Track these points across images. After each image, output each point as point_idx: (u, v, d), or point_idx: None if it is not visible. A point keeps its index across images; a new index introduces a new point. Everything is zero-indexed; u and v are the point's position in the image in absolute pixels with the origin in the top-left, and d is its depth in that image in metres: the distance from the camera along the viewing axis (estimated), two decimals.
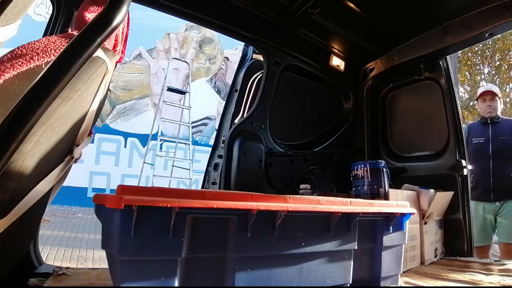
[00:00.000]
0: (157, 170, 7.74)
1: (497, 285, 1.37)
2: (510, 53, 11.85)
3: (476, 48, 11.59)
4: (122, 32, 0.89)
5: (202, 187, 2.26)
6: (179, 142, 7.88)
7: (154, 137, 7.77)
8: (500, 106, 2.97)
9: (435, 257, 1.87)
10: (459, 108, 2.09)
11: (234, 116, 2.32)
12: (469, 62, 12.38)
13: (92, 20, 0.62)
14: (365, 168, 1.72)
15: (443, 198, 1.91)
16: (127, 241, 0.72)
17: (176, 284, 0.79)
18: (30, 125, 0.54)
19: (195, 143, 9.00)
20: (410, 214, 1.23)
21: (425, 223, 1.77)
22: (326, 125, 2.45)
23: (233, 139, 2.02)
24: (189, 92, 8.07)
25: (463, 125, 2.60)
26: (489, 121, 2.89)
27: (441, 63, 2.14)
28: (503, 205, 2.74)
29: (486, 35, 1.89)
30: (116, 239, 0.74)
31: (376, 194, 1.66)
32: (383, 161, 1.77)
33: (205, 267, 0.85)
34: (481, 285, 1.38)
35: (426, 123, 2.27)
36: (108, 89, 0.96)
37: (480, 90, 3.08)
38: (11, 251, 0.91)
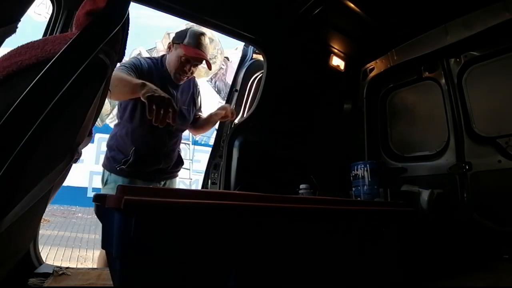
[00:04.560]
0: None
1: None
2: None
3: None
4: (122, 32, 0.88)
5: (202, 187, 2.26)
6: None
7: None
8: None
9: None
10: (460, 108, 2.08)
11: None
12: None
13: (92, 20, 0.62)
14: (365, 168, 1.72)
15: None
16: (127, 241, 0.72)
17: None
18: (30, 125, 0.54)
19: (195, 143, 8.98)
20: None
21: None
22: (326, 125, 2.44)
23: (233, 139, 2.02)
24: None
25: None
26: None
27: (441, 63, 2.14)
28: None
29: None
30: (116, 239, 0.73)
31: (376, 194, 1.66)
32: (382, 161, 1.77)
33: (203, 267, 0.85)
34: None
35: (426, 123, 2.26)
36: (108, 89, 0.95)
37: None
38: (11, 251, 0.91)
